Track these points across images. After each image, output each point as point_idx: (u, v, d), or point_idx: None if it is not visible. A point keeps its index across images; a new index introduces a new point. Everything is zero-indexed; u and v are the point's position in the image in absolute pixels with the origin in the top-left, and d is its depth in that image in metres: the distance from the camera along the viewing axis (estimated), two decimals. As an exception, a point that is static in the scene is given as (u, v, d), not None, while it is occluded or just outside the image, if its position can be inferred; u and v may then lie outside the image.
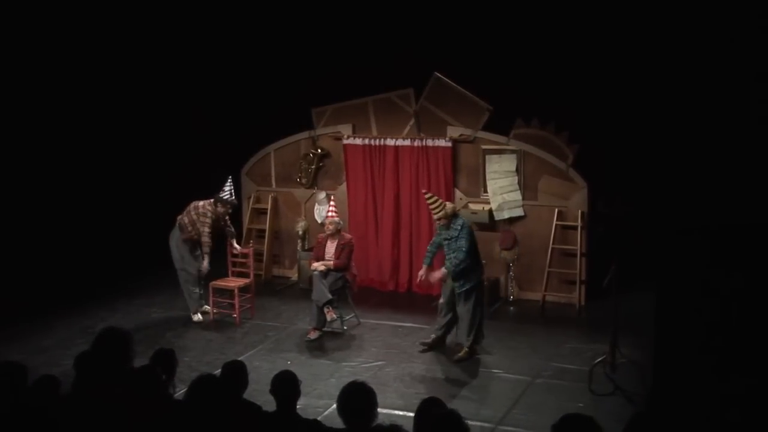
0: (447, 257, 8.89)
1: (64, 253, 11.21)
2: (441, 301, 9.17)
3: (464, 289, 8.83)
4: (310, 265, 9.95)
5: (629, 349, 8.24)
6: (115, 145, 12.18)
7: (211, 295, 10.31)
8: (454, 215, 8.88)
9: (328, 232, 9.85)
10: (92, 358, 5.47)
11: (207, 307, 10.38)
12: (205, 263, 10.07)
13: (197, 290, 10.27)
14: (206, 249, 10.03)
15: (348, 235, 10.05)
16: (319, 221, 11.62)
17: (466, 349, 8.97)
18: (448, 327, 9.22)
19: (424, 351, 9.17)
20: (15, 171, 11.01)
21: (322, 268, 9.67)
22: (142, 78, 12.19)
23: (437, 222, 8.95)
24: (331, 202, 10.19)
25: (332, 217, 9.86)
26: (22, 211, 10.97)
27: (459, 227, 8.79)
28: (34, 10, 10.86)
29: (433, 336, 9.28)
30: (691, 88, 8.87)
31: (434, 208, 8.87)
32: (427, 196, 9.14)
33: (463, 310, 8.91)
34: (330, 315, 9.51)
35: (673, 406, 6.74)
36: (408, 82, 11.11)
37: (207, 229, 9.96)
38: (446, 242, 8.87)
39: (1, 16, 10.55)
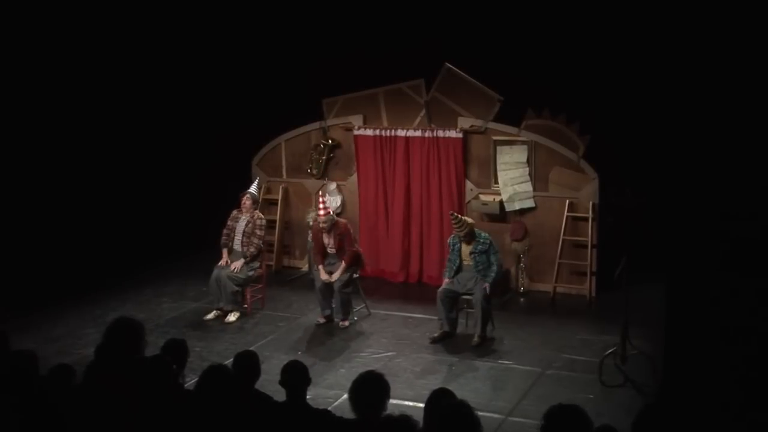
0: (477, 269, 9.17)
1: (75, 243, 11.24)
2: (441, 296, 9.23)
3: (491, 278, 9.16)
4: (317, 265, 9.89)
5: (640, 340, 8.21)
6: (126, 136, 12.20)
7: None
8: (473, 229, 9.25)
9: (324, 231, 9.74)
10: (104, 347, 5.50)
11: (215, 312, 10.07)
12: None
13: (212, 289, 10.11)
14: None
15: (342, 221, 9.99)
16: (330, 212, 11.62)
17: (478, 339, 9.06)
18: (455, 323, 9.33)
19: (433, 342, 9.20)
20: (27, 161, 11.04)
21: (331, 279, 9.66)
22: (155, 69, 12.20)
23: (461, 238, 9.22)
24: (320, 198, 10.08)
25: (324, 215, 9.66)
26: (33, 201, 11.01)
27: (487, 241, 9.22)
28: (35, 10, 10.86)
29: (440, 330, 9.30)
30: (704, 78, 8.82)
31: (458, 227, 9.18)
32: (452, 216, 9.33)
33: (480, 301, 9.01)
34: (343, 324, 9.68)
35: (684, 397, 6.73)
36: (419, 72, 11.08)
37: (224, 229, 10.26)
38: (473, 255, 9.20)
39: (2, 16, 10.54)
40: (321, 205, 9.82)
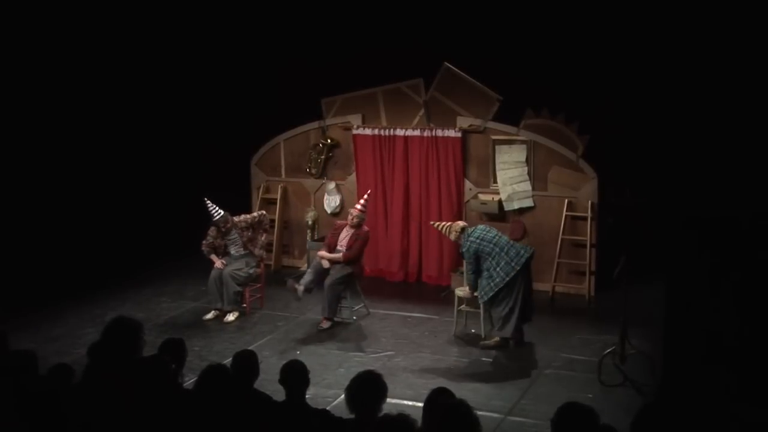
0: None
1: (74, 243, 11.24)
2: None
3: (483, 300, 8.91)
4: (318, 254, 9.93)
5: (639, 340, 8.23)
6: (125, 136, 12.19)
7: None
8: (463, 233, 9.04)
9: (350, 223, 9.82)
10: (102, 347, 5.51)
11: (230, 317, 10.01)
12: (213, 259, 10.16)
13: (212, 290, 10.07)
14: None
15: (366, 228, 10.03)
16: (329, 211, 11.65)
17: (497, 339, 9.02)
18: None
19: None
20: (27, 161, 11.04)
21: (326, 263, 9.66)
22: (154, 69, 12.20)
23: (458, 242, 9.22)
24: (366, 196, 10.14)
25: (361, 211, 9.82)
26: (33, 201, 11.00)
27: (463, 250, 9.03)
28: (35, 10, 10.85)
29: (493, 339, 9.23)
30: (702, 77, 8.81)
31: (445, 234, 9.23)
32: (435, 225, 9.45)
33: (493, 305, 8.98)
34: (296, 289, 9.59)
35: (683, 397, 6.73)
36: (418, 72, 11.08)
37: (204, 240, 10.14)
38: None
39: (1, 16, 10.54)
40: (363, 201, 9.99)
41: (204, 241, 10.17)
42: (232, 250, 10.16)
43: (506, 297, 8.81)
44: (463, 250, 8.99)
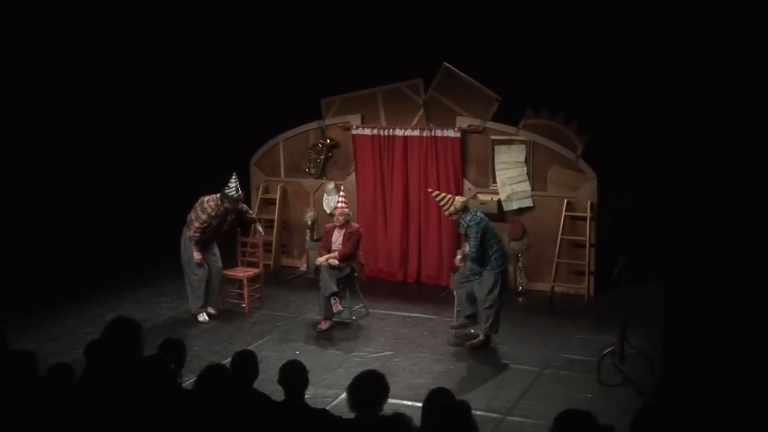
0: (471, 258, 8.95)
1: (73, 243, 11.23)
2: (459, 297, 9.17)
3: (486, 267, 8.80)
4: (318, 256, 9.96)
5: (638, 340, 8.23)
6: (124, 135, 12.19)
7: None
8: (464, 210, 8.89)
9: (337, 223, 9.86)
10: (102, 347, 5.51)
11: (211, 310, 10.05)
12: (196, 255, 9.84)
13: (201, 290, 9.94)
14: (192, 240, 9.82)
15: (356, 225, 10.06)
16: (328, 211, 11.64)
17: (482, 338, 9.00)
18: (474, 318, 9.10)
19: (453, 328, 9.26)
20: (26, 161, 11.03)
21: (328, 262, 9.65)
22: (155, 69, 12.19)
23: (451, 218, 9.10)
24: (341, 193, 10.22)
25: (342, 207, 9.87)
26: (33, 201, 11.00)
27: (465, 225, 8.83)
28: (35, 10, 10.84)
29: (461, 320, 9.18)
30: (702, 77, 8.82)
31: (443, 205, 9.03)
32: (434, 194, 9.28)
33: (483, 296, 8.84)
34: (336, 306, 9.55)
35: (682, 397, 6.73)
36: (417, 72, 11.08)
37: (197, 224, 9.73)
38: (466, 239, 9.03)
39: (1, 16, 10.53)
40: (342, 199, 9.96)
41: (199, 224, 9.71)
42: (215, 247, 10.05)
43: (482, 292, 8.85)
44: (472, 223, 8.75)
